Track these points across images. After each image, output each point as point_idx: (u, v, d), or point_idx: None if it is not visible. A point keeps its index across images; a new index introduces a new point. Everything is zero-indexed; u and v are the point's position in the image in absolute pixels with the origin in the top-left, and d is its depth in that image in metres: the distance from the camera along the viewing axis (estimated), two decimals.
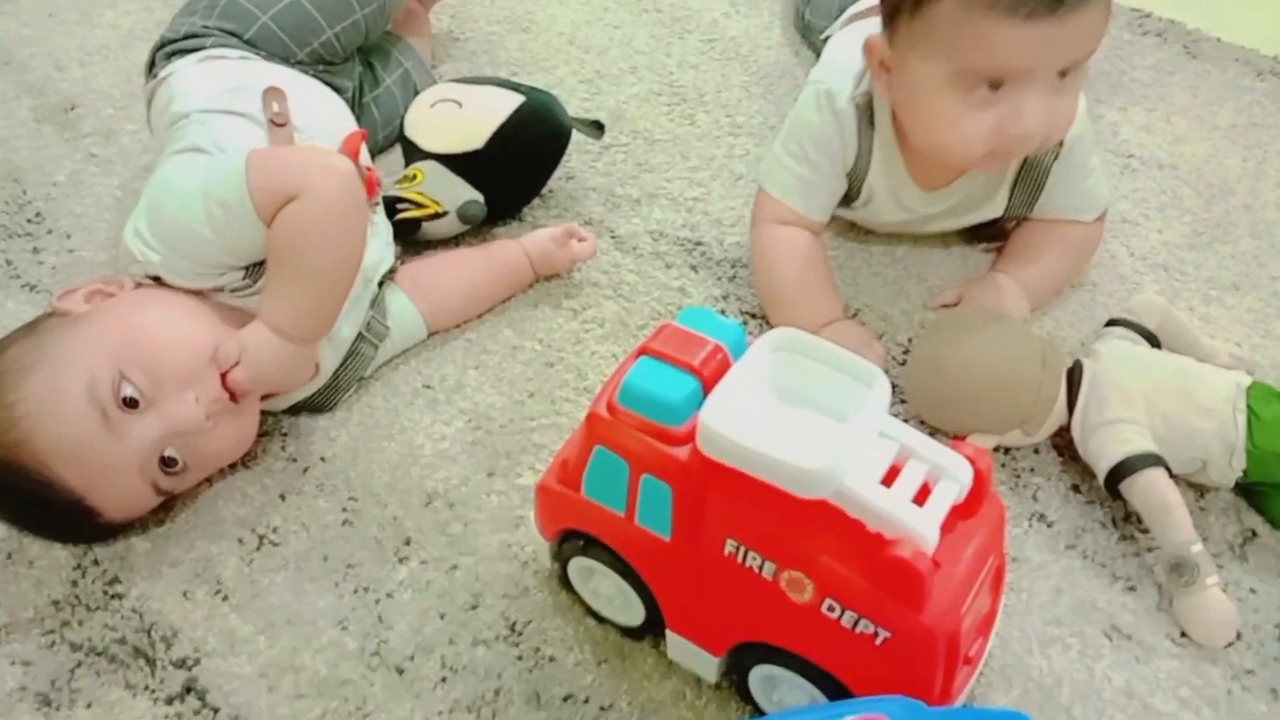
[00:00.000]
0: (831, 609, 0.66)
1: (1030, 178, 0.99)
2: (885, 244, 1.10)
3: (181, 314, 0.86)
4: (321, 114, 1.02)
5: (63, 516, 0.82)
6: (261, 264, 0.88)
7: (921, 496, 0.66)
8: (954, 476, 0.67)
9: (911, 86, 0.90)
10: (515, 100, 1.06)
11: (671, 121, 1.25)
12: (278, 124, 0.95)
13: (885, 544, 0.63)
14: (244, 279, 0.88)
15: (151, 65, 1.06)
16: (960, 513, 0.67)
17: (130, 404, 0.80)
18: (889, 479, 0.66)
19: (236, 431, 0.87)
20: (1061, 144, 0.96)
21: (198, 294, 0.89)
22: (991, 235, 1.08)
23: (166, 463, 0.83)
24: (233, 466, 0.91)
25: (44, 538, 0.87)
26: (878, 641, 0.66)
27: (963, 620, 0.66)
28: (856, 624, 0.66)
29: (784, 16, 1.39)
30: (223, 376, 0.84)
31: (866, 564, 0.64)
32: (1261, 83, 1.30)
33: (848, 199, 1.02)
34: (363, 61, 1.17)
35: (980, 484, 0.68)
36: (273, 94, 0.98)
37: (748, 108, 1.27)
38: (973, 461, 0.68)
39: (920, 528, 0.63)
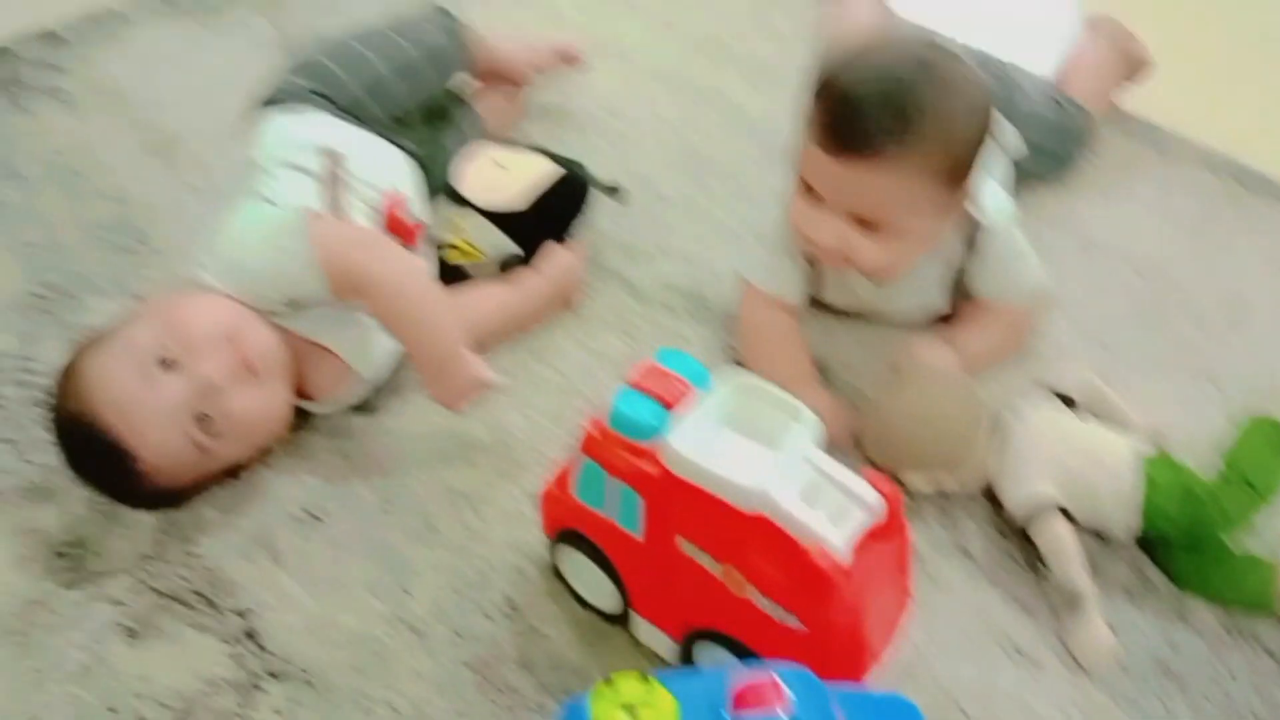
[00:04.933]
0: (761, 602, 0.82)
1: (954, 278, 1.16)
2: None
3: (209, 302, 1.04)
4: (384, 171, 1.21)
5: (108, 461, 0.99)
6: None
7: (839, 516, 0.82)
8: (865, 501, 0.82)
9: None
10: (556, 171, 1.25)
11: (689, 186, 1.42)
12: (330, 183, 1.14)
13: (804, 551, 0.79)
14: (285, 306, 1.07)
15: (253, 114, 1.25)
16: (874, 535, 0.83)
17: (167, 365, 0.99)
18: (813, 499, 0.82)
19: (259, 401, 1.03)
20: (972, 248, 1.12)
21: None
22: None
23: (201, 420, 1.00)
24: (290, 455, 1.10)
25: (104, 491, 1.03)
26: (796, 631, 0.82)
27: (865, 620, 0.83)
28: (781, 616, 0.82)
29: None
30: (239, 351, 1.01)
31: (789, 567, 0.80)
32: (1219, 182, 1.45)
33: (815, 283, 1.19)
34: (427, 121, 1.35)
35: (893, 511, 0.84)
36: (330, 156, 1.16)
37: (758, 179, 1.42)
38: (884, 493, 0.84)
39: (834, 541, 0.80)
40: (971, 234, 1.12)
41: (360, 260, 1.04)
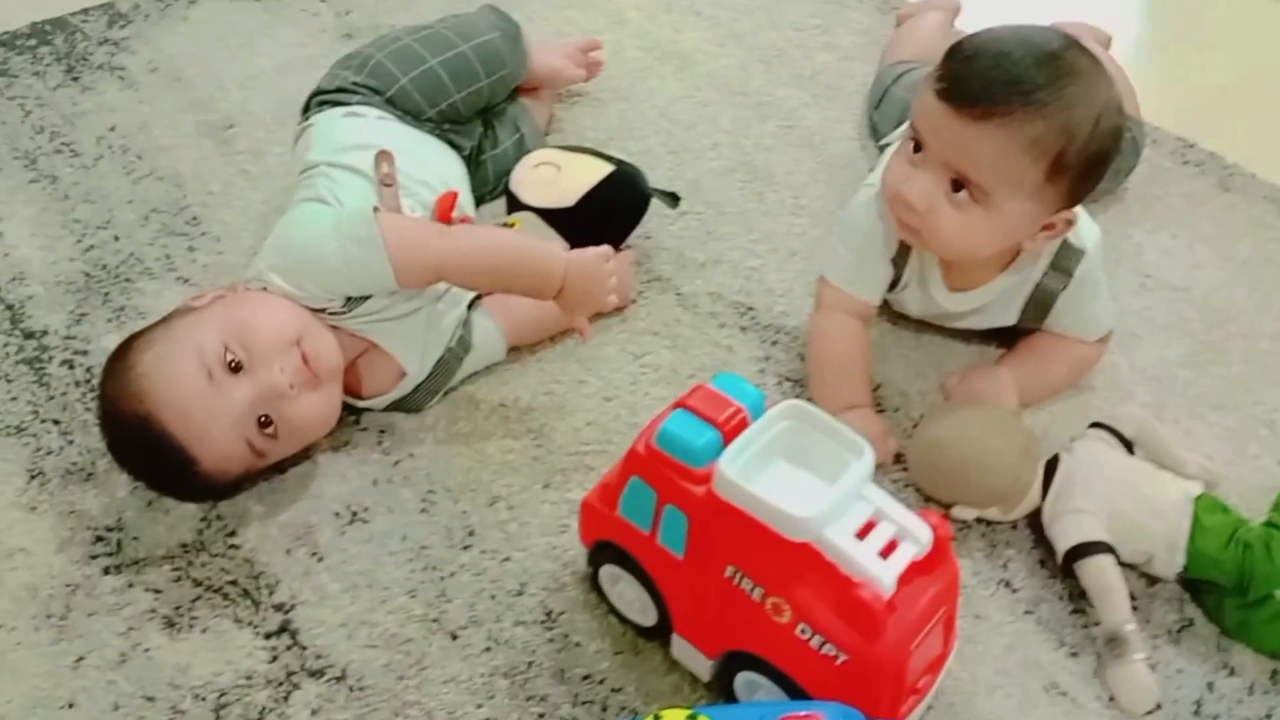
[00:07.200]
0: (804, 631, 0.82)
1: (1040, 300, 1.14)
2: (914, 330, 1.24)
3: (274, 306, 1.04)
4: (435, 169, 1.21)
5: (167, 462, 0.99)
6: (359, 298, 1.06)
7: (888, 551, 0.81)
8: (916, 538, 0.82)
9: None
10: (606, 169, 1.24)
11: (742, 197, 1.41)
12: (385, 184, 1.14)
13: (851, 585, 0.79)
14: (342, 307, 1.06)
15: (307, 109, 1.26)
16: (920, 569, 0.82)
17: (234, 368, 0.99)
18: (863, 533, 0.81)
19: (318, 406, 1.04)
20: (1071, 276, 1.11)
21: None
22: (1007, 338, 1.22)
23: (263, 424, 1.00)
24: (336, 452, 1.10)
25: (153, 487, 1.04)
26: (838, 662, 0.81)
27: (910, 655, 0.82)
28: (822, 646, 0.81)
29: (857, 113, 1.54)
30: (304, 356, 1.01)
31: (835, 599, 0.80)
32: None
33: (892, 284, 1.17)
34: (485, 124, 1.35)
35: (940, 547, 0.83)
36: (382, 157, 1.16)
37: (811, 192, 1.42)
38: (935, 528, 0.83)
39: (881, 576, 0.79)
40: (1066, 259, 1.11)
41: (434, 245, 1.05)
